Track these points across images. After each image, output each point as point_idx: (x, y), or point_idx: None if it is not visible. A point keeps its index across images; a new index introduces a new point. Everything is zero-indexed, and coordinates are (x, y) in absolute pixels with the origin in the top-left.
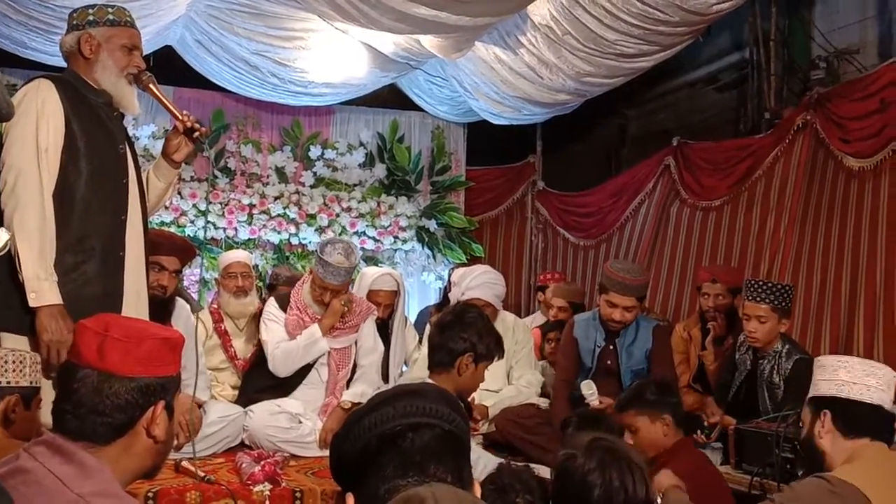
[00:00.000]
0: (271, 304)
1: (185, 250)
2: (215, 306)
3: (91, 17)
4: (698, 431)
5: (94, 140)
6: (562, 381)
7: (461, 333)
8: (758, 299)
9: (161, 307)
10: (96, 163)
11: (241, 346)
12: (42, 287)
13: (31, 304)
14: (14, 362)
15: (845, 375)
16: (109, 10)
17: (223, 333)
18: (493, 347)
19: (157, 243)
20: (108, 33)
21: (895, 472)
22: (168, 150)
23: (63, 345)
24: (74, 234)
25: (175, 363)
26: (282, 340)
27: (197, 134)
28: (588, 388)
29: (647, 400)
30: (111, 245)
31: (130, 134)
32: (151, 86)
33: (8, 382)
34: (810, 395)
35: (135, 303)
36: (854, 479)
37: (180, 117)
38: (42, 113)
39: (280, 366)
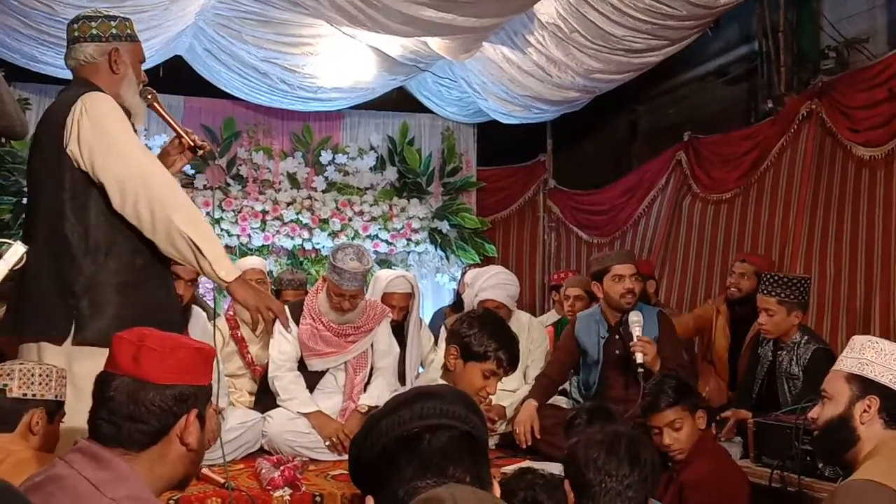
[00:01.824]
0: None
1: None
2: (231, 313)
3: (115, 31)
4: (713, 425)
5: None
6: (544, 374)
7: (461, 327)
8: (765, 292)
9: None
10: None
11: (257, 353)
12: (227, 263)
13: (226, 279)
14: (41, 375)
15: None
16: (126, 23)
17: (240, 340)
18: (489, 350)
19: None
20: (131, 48)
21: None
22: (164, 163)
23: (269, 300)
24: (132, 246)
25: (207, 374)
26: (287, 361)
27: (202, 152)
28: (635, 316)
29: (689, 397)
30: (159, 255)
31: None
32: (156, 104)
33: (34, 395)
34: (852, 370)
35: None
36: (883, 477)
37: (185, 135)
38: (122, 115)
39: (274, 390)
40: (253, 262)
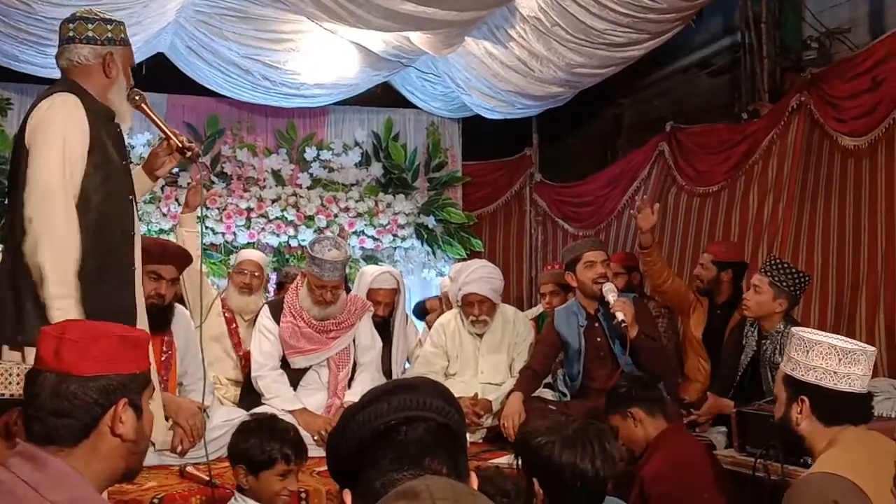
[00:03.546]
0: (264, 315)
1: (181, 257)
2: (224, 297)
3: (110, 35)
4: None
5: (108, 156)
6: (527, 367)
7: (239, 444)
8: (762, 271)
9: (160, 315)
10: (110, 180)
11: (245, 335)
12: (66, 304)
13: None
14: (19, 375)
15: (825, 363)
16: (121, 27)
17: (230, 320)
18: (273, 453)
19: (151, 252)
20: (123, 53)
21: (874, 451)
22: (153, 165)
23: None
24: (95, 249)
25: (139, 361)
26: (269, 360)
27: (190, 154)
28: (607, 286)
29: (614, 397)
30: (125, 260)
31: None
32: (144, 105)
33: (11, 395)
34: (786, 370)
35: (142, 316)
36: (840, 468)
37: (174, 138)
38: (70, 124)
39: (259, 390)
40: (252, 254)
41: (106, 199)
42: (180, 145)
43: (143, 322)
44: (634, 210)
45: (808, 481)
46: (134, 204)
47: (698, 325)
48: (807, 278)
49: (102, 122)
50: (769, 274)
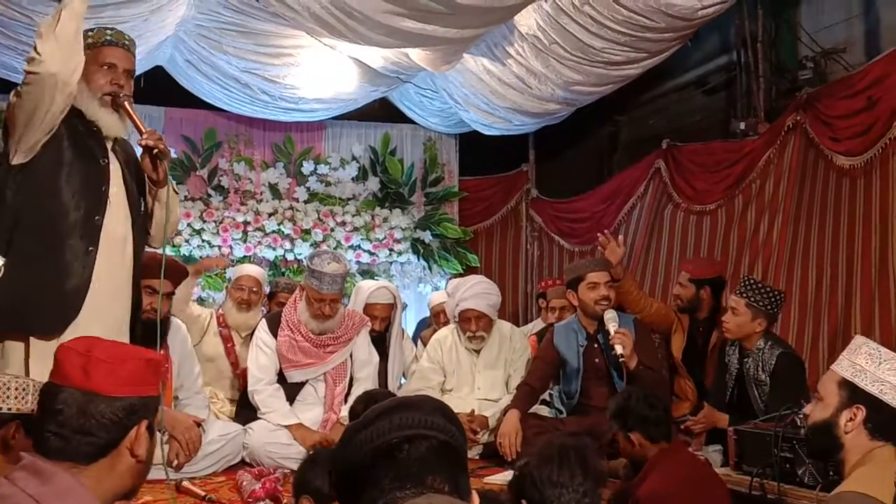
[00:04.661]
0: (262, 329)
1: (176, 271)
2: (221, 312)
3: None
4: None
5: (62, 147)
6: (525, 383)
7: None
8: (737, 293)
9: (156, 328)
10: (76, 175)
11: (242, 353)
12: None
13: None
14: (17, 389)
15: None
16: (89, 34)
17: (227, 338)
18: None
19: (146, 266)
20: (86, 58)
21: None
22: (145, 170)
23: None
24: (50, 229)
25: (156, 384)
26: (266, 375)
27: (156, 151)
28: (609, 314)
29: (617, 413)
30: (83, 242)
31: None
32: (126, 104)
33: (9, 409)
34: (845, 375)
35: (109, 303)
36: (874, 489)
37: (141, 137)
38: None
39: (255, 404)
40: (250, 269)
41: (70, 193)
42: (144, 145)
43: (120, 311)
44: (598, 245)
45: (841, 499)
46: (112, 194)
47: (678, 346)
48: (782, 295)
49: (72, 124)
50: (745, 295)
